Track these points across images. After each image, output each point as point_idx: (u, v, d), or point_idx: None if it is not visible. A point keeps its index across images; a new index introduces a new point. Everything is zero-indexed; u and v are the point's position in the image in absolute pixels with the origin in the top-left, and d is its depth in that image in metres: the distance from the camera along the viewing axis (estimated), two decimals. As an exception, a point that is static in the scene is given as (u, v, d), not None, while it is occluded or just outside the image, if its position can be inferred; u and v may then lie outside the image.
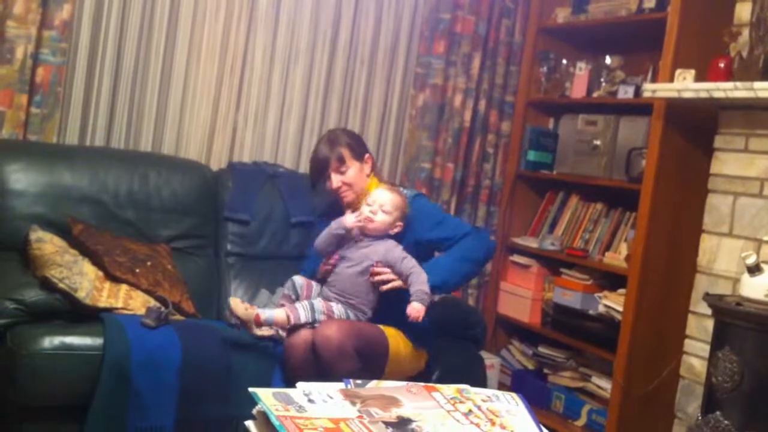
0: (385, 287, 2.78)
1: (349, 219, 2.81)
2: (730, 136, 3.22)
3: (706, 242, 3.29)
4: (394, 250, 2.81)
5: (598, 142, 3.90)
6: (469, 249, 2.92)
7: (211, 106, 3.70)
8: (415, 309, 2.69)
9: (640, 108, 3.66)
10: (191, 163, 3.53)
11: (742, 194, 3.16)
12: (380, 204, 2.81)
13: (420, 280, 2.75)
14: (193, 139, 3.69)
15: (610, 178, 3.84)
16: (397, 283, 2.78)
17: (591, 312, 3.78)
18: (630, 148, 3.69)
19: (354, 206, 2.95)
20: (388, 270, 2.78)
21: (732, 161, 3.21)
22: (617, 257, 3.68)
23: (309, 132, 3.94)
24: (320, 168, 3.00)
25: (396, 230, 2.86)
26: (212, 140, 3.73)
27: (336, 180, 2.96)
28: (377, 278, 2.78)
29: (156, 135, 3.61)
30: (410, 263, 2.78)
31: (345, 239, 2.84)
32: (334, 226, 2.81)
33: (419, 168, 4.09)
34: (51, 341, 2.51)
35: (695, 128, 3.37)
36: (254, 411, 1.82)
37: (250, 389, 1.78)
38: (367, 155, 3.06)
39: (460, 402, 1.89)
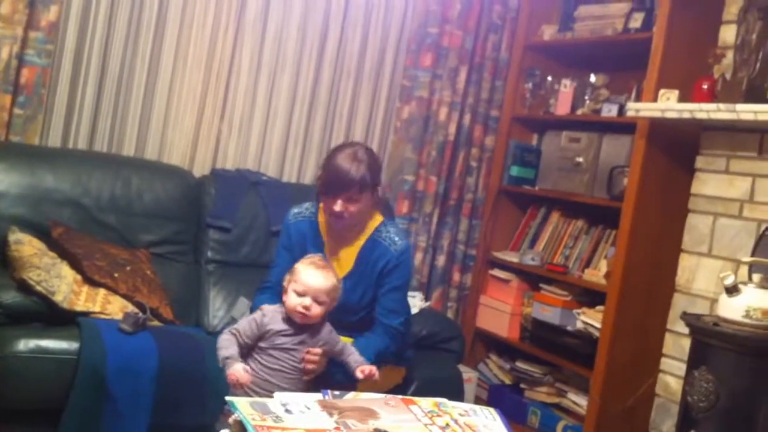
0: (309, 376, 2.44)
1: (241, 376, 2.25)
2: (711, 157, 3.25)
3: (685, 261, 3.31)
4: (332, 331, 2.47)
5: (580, 159, 3.92)
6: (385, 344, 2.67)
7: (196, 113, 3.69)
8: (367, 369, 2.42)
9: (624, 126, 3.68)
10: (174, 169, 3.52)
11: (722, 215, 3.19)
12: (314, 296, 2.37)
13: (355, 352, 2.48)
14: (177, 145, 3.67)
15: (591, 196, 3.86)
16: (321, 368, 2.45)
17: (569, 328, 3.79)
18: (612, 166, 3.71)
19: (341, 234, 2.69)
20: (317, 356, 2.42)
21: (713, 182, 3.24)
22: (597, 274, 3.70)
23: (293, 141, 3.94)
24: (336, 185, 2.57)
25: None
26: (196, 147, 3.72)
27: (340, 206, 2.56)
28: (309, 365, 2.40)
29: (139, 140, 3.59)
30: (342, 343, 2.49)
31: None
32: (227, 366, 2.28)
33: (403, 180, 4.09)
34: (26, 344, 2.49)
35: (677, 148, 3.39)
36: (230, 420, 1.81)
37: (227, 398, 1.77)
38: (379, 185, 2.69)
39: (438, 416, 1.89)
